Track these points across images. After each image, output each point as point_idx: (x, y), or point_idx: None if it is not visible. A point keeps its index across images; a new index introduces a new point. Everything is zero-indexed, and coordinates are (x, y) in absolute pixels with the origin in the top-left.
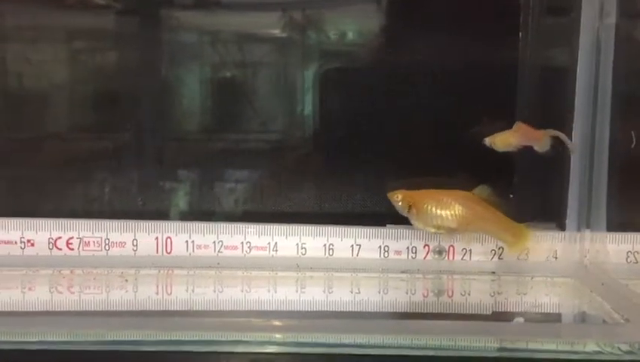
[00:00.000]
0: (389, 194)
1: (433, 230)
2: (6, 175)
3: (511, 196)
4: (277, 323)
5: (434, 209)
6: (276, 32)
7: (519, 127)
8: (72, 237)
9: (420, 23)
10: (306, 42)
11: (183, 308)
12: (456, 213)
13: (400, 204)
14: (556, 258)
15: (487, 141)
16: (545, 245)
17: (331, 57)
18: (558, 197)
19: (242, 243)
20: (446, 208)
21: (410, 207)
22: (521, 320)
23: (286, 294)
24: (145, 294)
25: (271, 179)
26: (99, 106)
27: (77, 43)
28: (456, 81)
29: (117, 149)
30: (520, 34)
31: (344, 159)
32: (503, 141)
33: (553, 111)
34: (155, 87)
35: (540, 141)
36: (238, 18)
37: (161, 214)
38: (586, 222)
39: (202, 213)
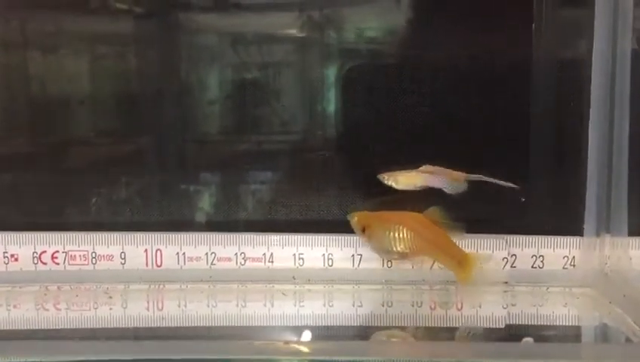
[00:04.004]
0: (349, 216)
1: (385, 254)
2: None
3: (522, 200)
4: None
5: (384, 232)
6: (295, 32)
7: (426, 168)
8: (57, 251)
9: (440, 18)
10: (325, 41)
11: (175, 325)
12: (404, 236)
13: (356, 225)
14: (574, 266)
15: (386, 178)
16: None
17: (351, 56)
18: (574, 200)
19: (236, 254)
20: (395, 231)
21: (363, 230)
22: (530, 340)
23: (283, 308)
24: (135, 310)
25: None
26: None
27: (98, 47)
28: (476, 77)
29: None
30: (533, 25)
31: (352, 162)
32: (407, 180)
33: (568, 107)
34: (176, 89)
35: (455, 184)
36: (257, 19)
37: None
38: (605, 227)
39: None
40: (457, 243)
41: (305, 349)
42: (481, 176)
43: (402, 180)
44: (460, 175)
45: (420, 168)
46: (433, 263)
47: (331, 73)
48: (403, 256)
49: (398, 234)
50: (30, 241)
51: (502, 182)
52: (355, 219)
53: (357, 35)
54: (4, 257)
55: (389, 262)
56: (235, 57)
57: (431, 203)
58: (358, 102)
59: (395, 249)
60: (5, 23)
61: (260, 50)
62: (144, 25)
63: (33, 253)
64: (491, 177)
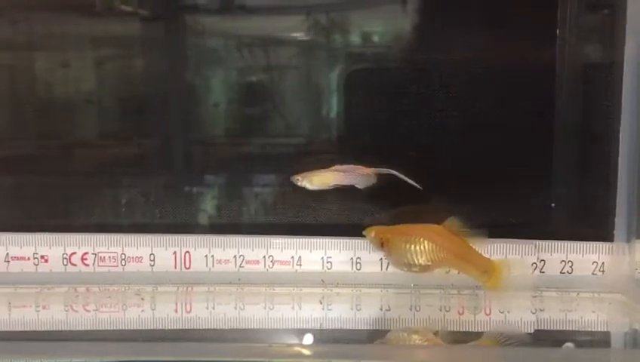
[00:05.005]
0: (365, 231)
1: (405, 268)
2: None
3: (552, 206)
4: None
5: (405, 245)
6: (301, 35)
7: (337, 167)
8: (86, 253)
9: (449, 22)
10: (331, 45)
11: (203, 327)
12: (426, 249)
13: (374, 240)
14: (603, 271)
15: (299, 180)
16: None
17: (356, 59)
18: (604, 205)
19: (264, 257)
20: (416, 244)
21: (382, 244)
22: (571, 345)
23: (311, 311)
24: (163, 312)
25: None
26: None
27: (104, 50)
28: (489, 81)
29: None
30: (558, 30)
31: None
32: (320, 180)
33: (595, 110)
34: (182, 92)
35: (365, 178)
36: (262, 22)
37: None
38: (636, 232)
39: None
40: (481, 251)
41: (306, 352)
42: (389, 170)
43: (315, 181)
44: (369, 170)
45: (331, 168)
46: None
47: (338, 76)
48: (425, 268)
49: (420, 247)
50: (60, 243)
51: (408, 180)
52: (372, 234)
53: (364, 39)
54: (34, 258)
55: None
56: (240, 60)
57: (445, 214)
58: (363, 105)
59: (417, 262)
60: (11, 26)
61: (266, 52)
62: (150, 27)
63: (63, 254)
64: None
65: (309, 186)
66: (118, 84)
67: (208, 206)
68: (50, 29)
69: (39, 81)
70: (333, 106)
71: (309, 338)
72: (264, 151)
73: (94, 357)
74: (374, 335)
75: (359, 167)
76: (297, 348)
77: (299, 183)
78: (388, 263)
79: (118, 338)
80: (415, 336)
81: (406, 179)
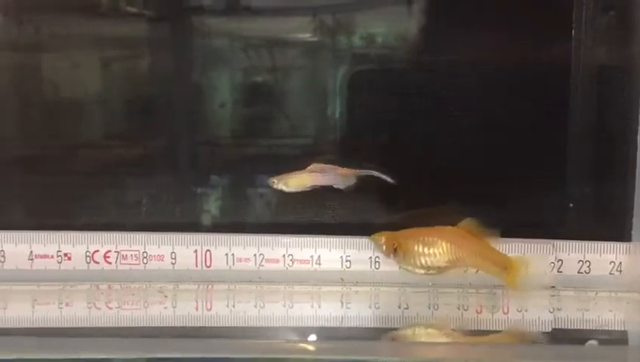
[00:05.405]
0: (372, 237)
1: (422, 271)
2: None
3: (570, 206)
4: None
5: (420, 248)
6: (307, 36)
7: (314, 167)
8: (109, 251)
9: (455, 24)
10: (337, 46)
11: (224, 325)
12: (444, 250)
13: (384, 246)
14: (620, 271)
15: (275, 182)
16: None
17: (361, 60)
18: (621, 205)
19: (284, 256)
20: (433, 246)
21: (395, 249)
22: (595, 343)
23: (330, 310)
24: (184, 310)
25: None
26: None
27: (109, 51)
28: (504, 82)
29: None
30: (573, 31)
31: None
32: (296, 182)
33: (612, 110)
34: (188, 93)
35: (344, 179)
36: (268, 23)
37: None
38: None
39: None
40: (499, 249)
41: (310, 348)
42: (368, 170)
43: (292, 183)
44: (348, 171)
45: (308, 168)
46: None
47: (343, 77)
48: (442, 270)
49: (438, 249)
50: (83, 241)
51: (388, 178)
52: (382, 239)
53: (369, 40)
54: (58, 256)
55: None
56: (246, 61)
57: (456, 216)
58: (368, 105)
59: (435, 264)
60: (17, 26)
61: (271, 53)
62: (155, 28)
63: (86, 252)
64: None
65: (285, 188)
66: (123, 85)
67: (229, 205)
68: (55, 29)
69: (45, 81)
70: (338, 107)
71: (313, 337)
72: (270, 151)
73: (115, 354)
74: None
75: (337, 167)
76: (313, 345)
77: (275, 186)
78: None
79: (140, 335)
80: (432, 331)
81: (385, 177)
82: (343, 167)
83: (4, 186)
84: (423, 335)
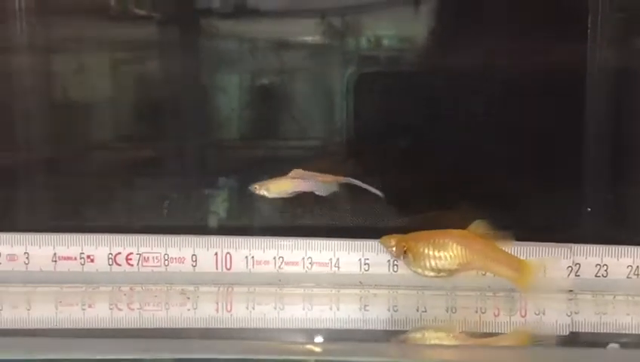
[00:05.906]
0: (382, 240)
1: (432, 274)
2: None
3: (588, 210)
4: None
5: (431, 251)
6: (315, 38)
7: (295, 173)
8: (131, 253)
9: (464, 26)
10: (344, 48)
11: (243, 326)
12: (455, 253)
13: (394, 249)
14: (638, 275)
15: (257, 188)
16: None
17: (369, 62)
18: (638, 208)
19: (303, 258)
20: (443, 249)
21: (405, 252)
22: (616, 346)
23: (349, 313)
24: (205, 312)
25: None
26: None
27: (118, 53)
28: (509, 84)
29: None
30: (588, 34)
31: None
32: (278, 188)
33: (630, 114)
34: (196, 95)
35: (325, 186)
36: (275, 25)
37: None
38: None
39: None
40: (511, 253)
41: (316, 349)
42: (349, 178)
43: (273, 188)
44: (329, 177)
45: (289, 174)
46: None
47: (350, 79)
48: (453, 272)
49: (450, 252)
50: (106, 243)
51: (370, 188)
52: (392, 242)
53: (376, 42)
54: (81, 258)
55: None
56: (254, 63)
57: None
58: (375, 108)
59: (447, 266)
60: (27, 29)
61: (279, 55)
62: (164, 31)
63: (108, 254)
64: None
65: (267, 194)
66: (132, 87)
67: (248, 209)
68: (65, 32)
69: (54, 83)
70: (345, 109)
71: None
72: (277, 153)
73: (137, 354)
74: None
75: (317, 174)
76: (319, 347)
77: (256, 192)
78: None
79: (161, 336)
80: (441, 333)
81: (367, 187)
82: (343, 172)
83: (29, 189)
84: (432, 337)
